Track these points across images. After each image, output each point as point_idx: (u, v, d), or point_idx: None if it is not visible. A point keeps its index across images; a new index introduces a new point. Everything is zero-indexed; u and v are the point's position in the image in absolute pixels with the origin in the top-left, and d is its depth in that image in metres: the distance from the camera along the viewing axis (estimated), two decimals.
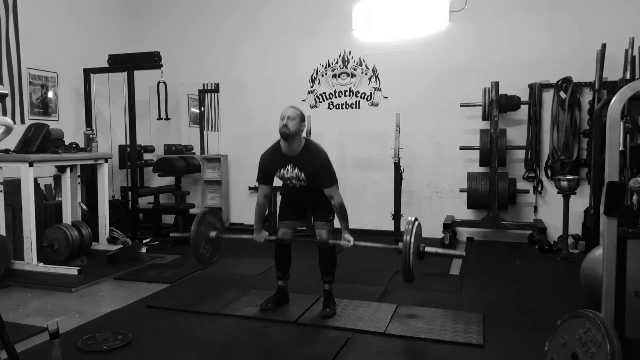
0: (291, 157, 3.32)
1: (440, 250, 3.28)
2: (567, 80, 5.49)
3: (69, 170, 4.86)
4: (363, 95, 6.41)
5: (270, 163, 3.40)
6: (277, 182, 3.60)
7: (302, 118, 3.31)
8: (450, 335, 3.07)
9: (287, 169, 3.34)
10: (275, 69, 6.66)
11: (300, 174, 3.32)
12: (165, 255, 5.27)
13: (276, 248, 3.55)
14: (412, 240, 3.10)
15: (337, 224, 3.47)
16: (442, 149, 6.11)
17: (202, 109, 6.87)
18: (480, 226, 5.73)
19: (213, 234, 3.76)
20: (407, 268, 3.11)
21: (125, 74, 5.73)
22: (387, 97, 6.31)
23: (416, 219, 3.24)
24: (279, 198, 3.85)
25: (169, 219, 6.76)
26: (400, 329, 3.18)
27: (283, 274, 3.59)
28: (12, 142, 4.54)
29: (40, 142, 4.57)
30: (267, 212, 3.63)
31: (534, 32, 5.72)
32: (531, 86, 5.72)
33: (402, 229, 5.88)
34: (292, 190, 3.47)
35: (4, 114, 5.16)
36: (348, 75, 6.44)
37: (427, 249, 3.25)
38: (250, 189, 6.74)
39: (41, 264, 4.34)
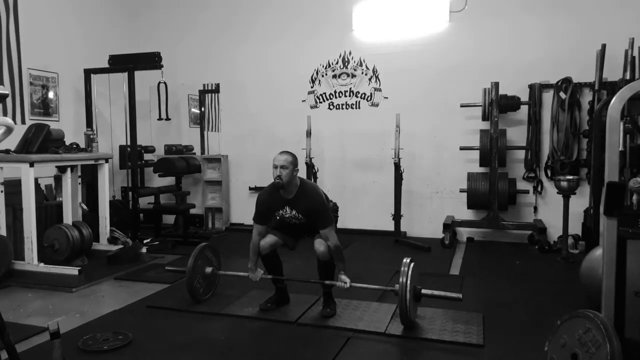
0: (287, 200, 3.36)
1: (436, 292, 3.27)
2: (567, 81, 5.49)
3: (69, 170, 4.86)
4: (363, 95, 6.42)
5: (268, 204, 3.43)
6: None
7: (295, 163, 3.30)
8: (450, 335, 3.07)
9: (285, 210, 3.39)
10: (275, 69, 6.66)
11: (298, 214, 3.37)
12: (166, 255, 5.27)
13: (263, 259, 3.53)
14: (408, 282, 3.08)
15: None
16: (442, 149, 6.11)
17: (202, 109, 6.87)
18: (480, 226, 5.73)
19: (209, 269, 3.72)
20: (404, 310, 3.08)
21: (126, 74, 5.74)
22: (387, 97, 6.32)
23: (411, 260, 3.22)
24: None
25: (169, 219, 6.77)
26: (400, 329, 3.18)
27: (280, 283, 3.61)
28: (12, 142, 4.54)
29: (40, 142, 4.57)
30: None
31: (534, 32, 5.72)
32: (531, 86, 5.72)
33: (402, 229, 5.91)
34: (291, 223, 3.48)
35: (4, 114, 5.16)
36: (348, 75, 6.45)
37: (423, 291, 3.23)
38: (250, 188, 6.74)
39: (41, 264, 4.35)
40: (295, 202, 3.34)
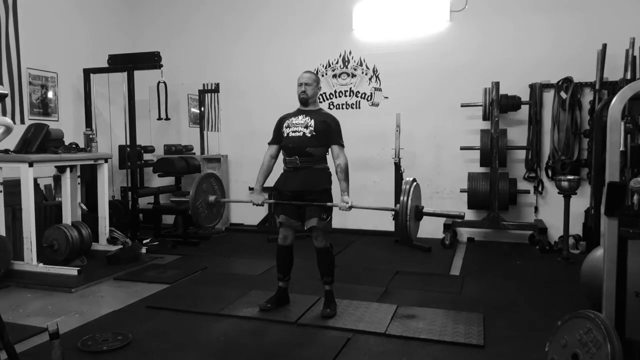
0: (305, 110, 3.47)
1: (437, 210, 3.26)
2: (568, 80, 5.49)
3: (68, 170, 4.85)
4: (363, 95, 6.41)
5: (285, 117, 3.53)
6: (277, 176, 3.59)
7: (318, 82, 3.52)
8: (450, 336, 3.06)
9: (298, 117, 3.44)
10: (275, 68, 6.65)
11: (310, 120, 3.39)
12: (165, 255, 5.26)
13: (278, 250, 3.54)
14: (409, 201, 3.06)
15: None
16: (442, 149, 6.10)
17: (202, 108, 6.86)
18: (481, 226, 5.72)
19: (212, 197, 3.72)
20: (404, 228, 3.04)
21: (125, 73, 5.73)
22: (387, 97, 6.31)
23: (414, 180, 3.20)
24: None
25: (168, 219, 6.76)
26: (400, 329, 3.17)
27: (283, 276, 3.58)
28: (11, 142, 4.53)
29: (39, 142, 4.57)
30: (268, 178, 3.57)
31: (535, 32, 5.71)
32: (531, 86, 5.71)
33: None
34: (294, 141, 3.39)
35: (4, 113, 5.16)
36: (348, 75, 6.44)
37: (425, 210, 3.21)
38: (250, 189, 6.72)
39: (41, 264, 4.34)
40: (312, 112, 3.45)
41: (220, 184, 3.88)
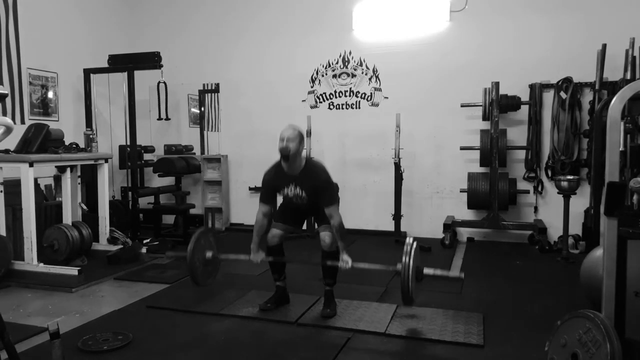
0: (293, 176, 3.34)
1: (438, 272, 3.30)
2: (568, 80, 5.49)
3: (68, 170, 4.86)
4: (363, 95, 6.41)
5: (273, 181, 3.42)
6: None
7: (302, 138, 3.32)
8: (450, 336, 3.06)
9: (290, 188, 3.36)
10: (275, 69, 6.66)
11: (302, 192, 3.33)
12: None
13: (267, 250, 3.55)
14: (411, 262, 3.10)
15: None
16: (442, 149, 6.10)
17: (202, 108, 6.87)
18: (481, 226, 5.72)
19: (209, 253, 3.75)
20: (406, 290, 3.10)
21: (125, 73, 5.73)
22: (387, 97, 6.31)
23: (414, 240, 3.25)
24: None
25: (169, 219, 6.77)
26: (400, 329, 3.18)
27: (279, 275, 3.59)
28: (12, 142, 4.53)
29: (40, 142, 4.57)
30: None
31: (535, 32, 5.72)
32: (531, 86, 5.71)
33: (402, 229, 5.90)
34: (294, 204, 3.47)
35: (4, 114, 5.16)
36: (348, 75, 6.44)
37: (425, 271, 3.26)
38: (250, 189, 6.74)
39: (41, 264, 4.35)
40: (300, 178, 3.32)
41: (216, 238, 3.91)
